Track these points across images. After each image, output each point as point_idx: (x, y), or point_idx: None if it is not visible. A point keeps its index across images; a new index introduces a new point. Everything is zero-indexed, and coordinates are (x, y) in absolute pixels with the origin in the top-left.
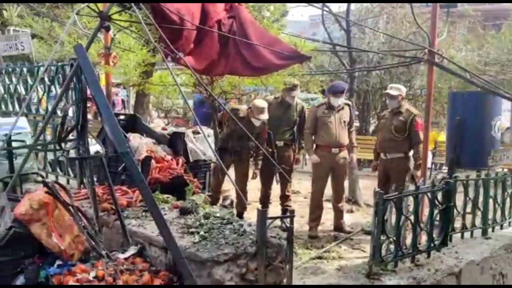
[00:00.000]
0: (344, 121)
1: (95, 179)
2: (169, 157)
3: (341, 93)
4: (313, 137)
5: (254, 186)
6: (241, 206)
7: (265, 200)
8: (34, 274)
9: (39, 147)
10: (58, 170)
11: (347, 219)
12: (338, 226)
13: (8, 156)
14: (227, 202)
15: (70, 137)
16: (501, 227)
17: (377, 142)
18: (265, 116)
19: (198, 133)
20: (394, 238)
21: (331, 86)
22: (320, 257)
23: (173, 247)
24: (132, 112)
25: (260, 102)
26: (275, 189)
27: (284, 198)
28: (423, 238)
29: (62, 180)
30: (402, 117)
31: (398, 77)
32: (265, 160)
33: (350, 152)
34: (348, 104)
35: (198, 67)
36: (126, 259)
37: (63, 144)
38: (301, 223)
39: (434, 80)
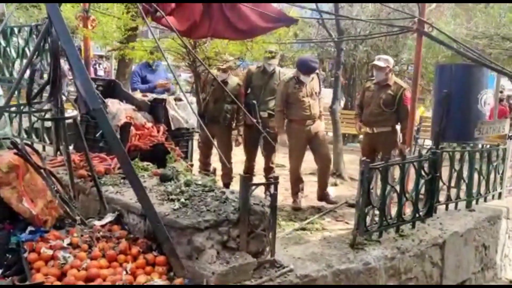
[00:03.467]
0: (315, 92)
1: (71, 147)
2: (149, 124)
3: (313, 73)
4: (284, 114)
5: (238, 159)
6: (228, 177)
7: (249, 172)
8: (5, 240)
9: (10, 109)
10: (34, 137)
11: (331, 192)
12: (322, 196)
13: None
14: (210, 169)
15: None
16: (485, 200)
17: (364, 115)
18: (224, 75)
19: (180, 100)
20: (379, 208)
21: (302, 65)
22: (303, 228)
23: (148, 208)
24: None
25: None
26: (259, 162)
27: (268, 170)
28: (408, 209)
29: (38, 147)
30: (390, 91)
31: (386, 52)
32: (248, 130)
33: (319, 118)
34: (316, 73)
35: (179, 28)
36: (102, 226)
37: (37, 105)
38: (285, 196)
39: (421, 54)
